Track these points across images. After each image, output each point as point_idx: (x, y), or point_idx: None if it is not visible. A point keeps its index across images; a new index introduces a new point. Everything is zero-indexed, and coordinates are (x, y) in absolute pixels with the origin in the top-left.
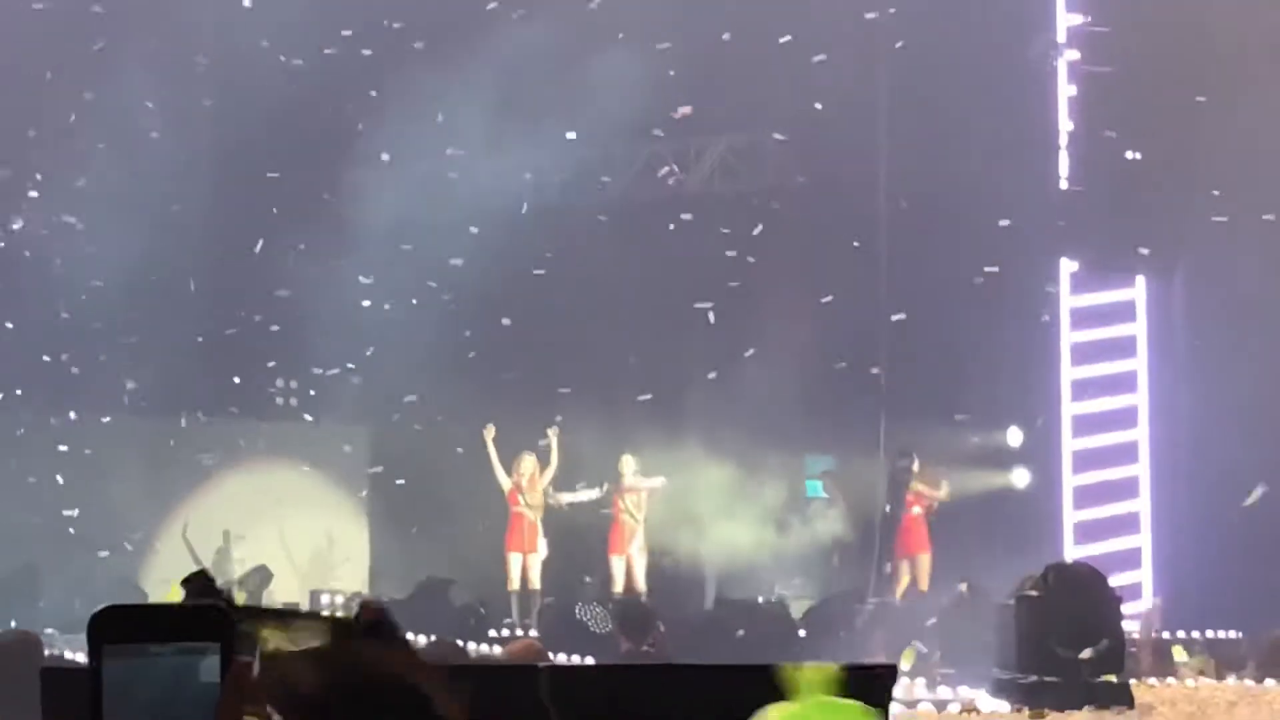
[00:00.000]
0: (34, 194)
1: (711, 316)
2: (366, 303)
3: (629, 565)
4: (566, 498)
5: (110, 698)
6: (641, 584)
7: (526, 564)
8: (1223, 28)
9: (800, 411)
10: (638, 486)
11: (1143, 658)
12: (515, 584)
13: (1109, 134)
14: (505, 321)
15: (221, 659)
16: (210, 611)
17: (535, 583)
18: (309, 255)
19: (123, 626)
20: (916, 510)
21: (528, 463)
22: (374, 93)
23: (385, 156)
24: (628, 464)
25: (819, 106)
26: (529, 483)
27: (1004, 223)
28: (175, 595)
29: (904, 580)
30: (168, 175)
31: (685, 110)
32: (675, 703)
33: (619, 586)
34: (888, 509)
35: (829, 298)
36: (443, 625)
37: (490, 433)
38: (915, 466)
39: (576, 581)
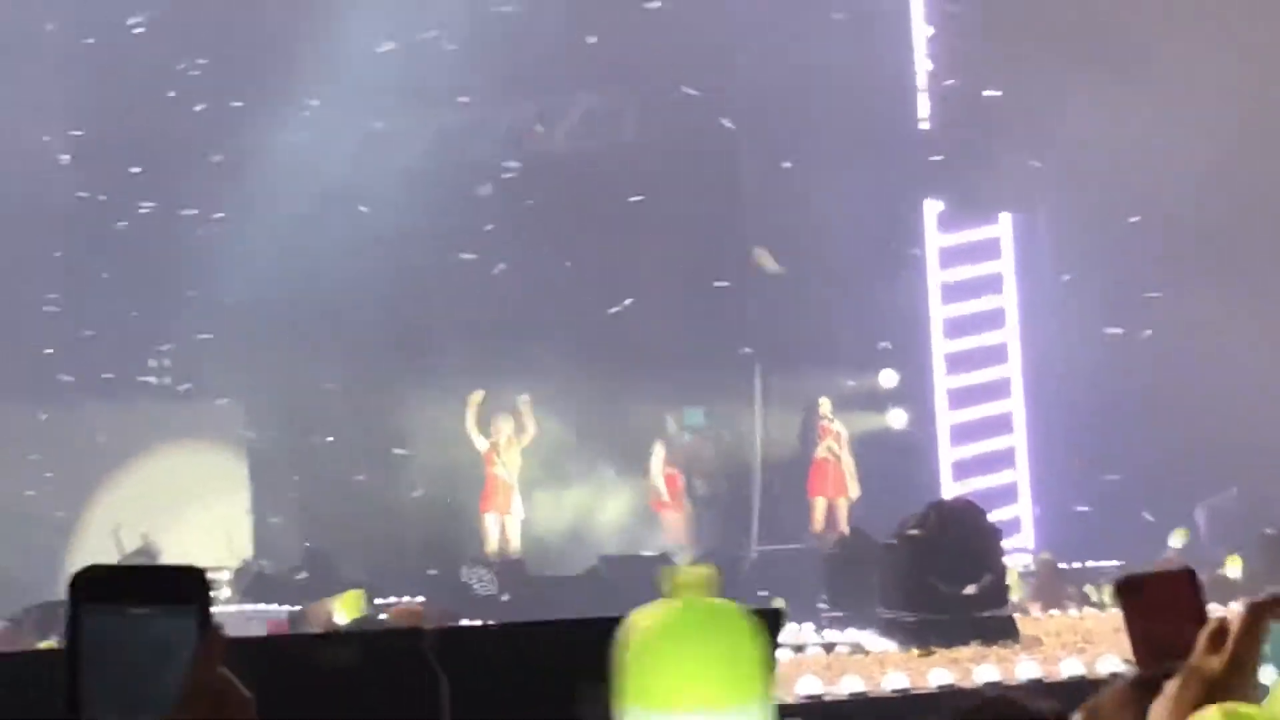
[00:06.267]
0: None
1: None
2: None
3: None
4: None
5: (88, 656)
6: (517, 543)
7: (505, 525)
8: None
9: (673, 364)
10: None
11: (1035, 591)
12: (494, 545)
13: (966, 74)
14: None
15: (198, 621)
16: (188, 573)
17: (515, 543)
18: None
19: (102, 587)
20: (834, 450)
21: (505, 425)
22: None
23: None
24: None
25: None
26: (506, 445)
27: (867, 165)
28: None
29: (819, 523)
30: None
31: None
32: (555, 657)
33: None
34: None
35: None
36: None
37: (476, 397)
38: (823, 409)
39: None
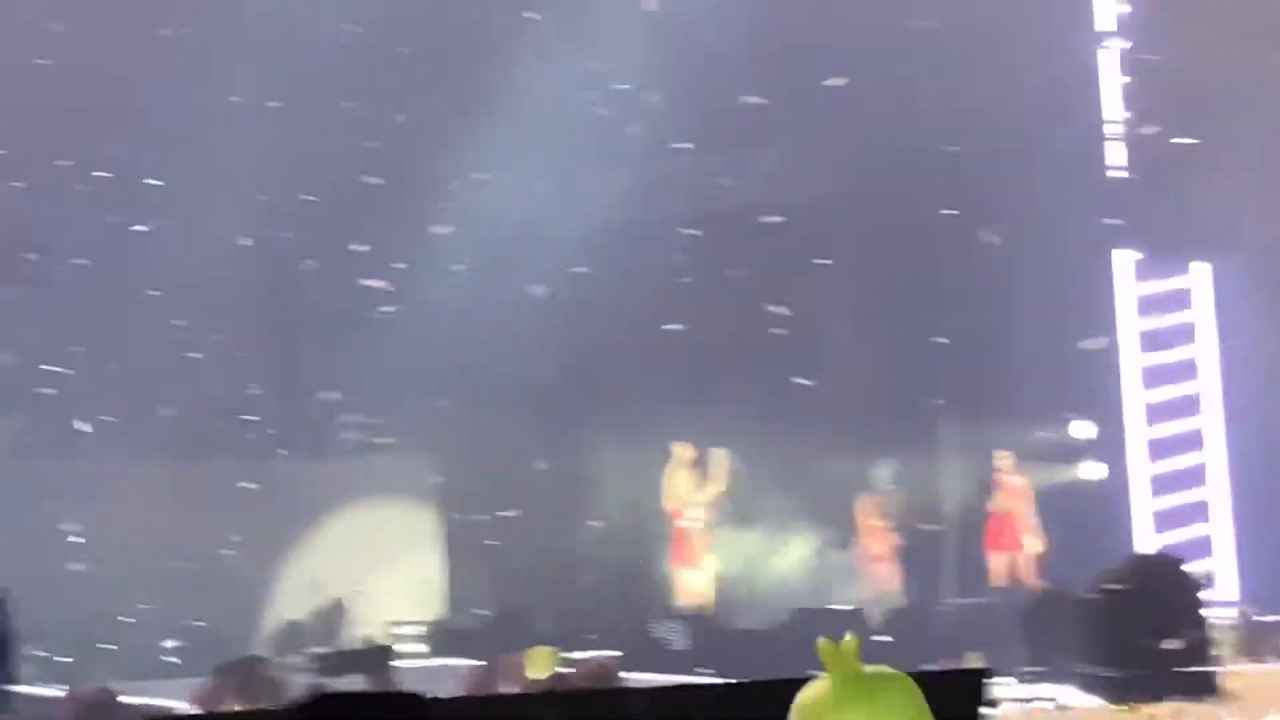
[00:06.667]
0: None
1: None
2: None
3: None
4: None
5: None
6: (708, 597)
7: (696, 579)
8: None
9: (863, 418)
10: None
11: (1235, 644)
12: (684, 599)
13: (1158, 122)
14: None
15: None
16: (411, 700)
17: (705, 596)
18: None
19: (333, 711)
20: (1006, 506)
21: (696, 479)
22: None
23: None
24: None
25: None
26: (697, 499)
27: (1059, 215)
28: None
29: (1000, 577)
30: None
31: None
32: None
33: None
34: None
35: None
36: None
37: (681, 451)
38: (1002, 462)
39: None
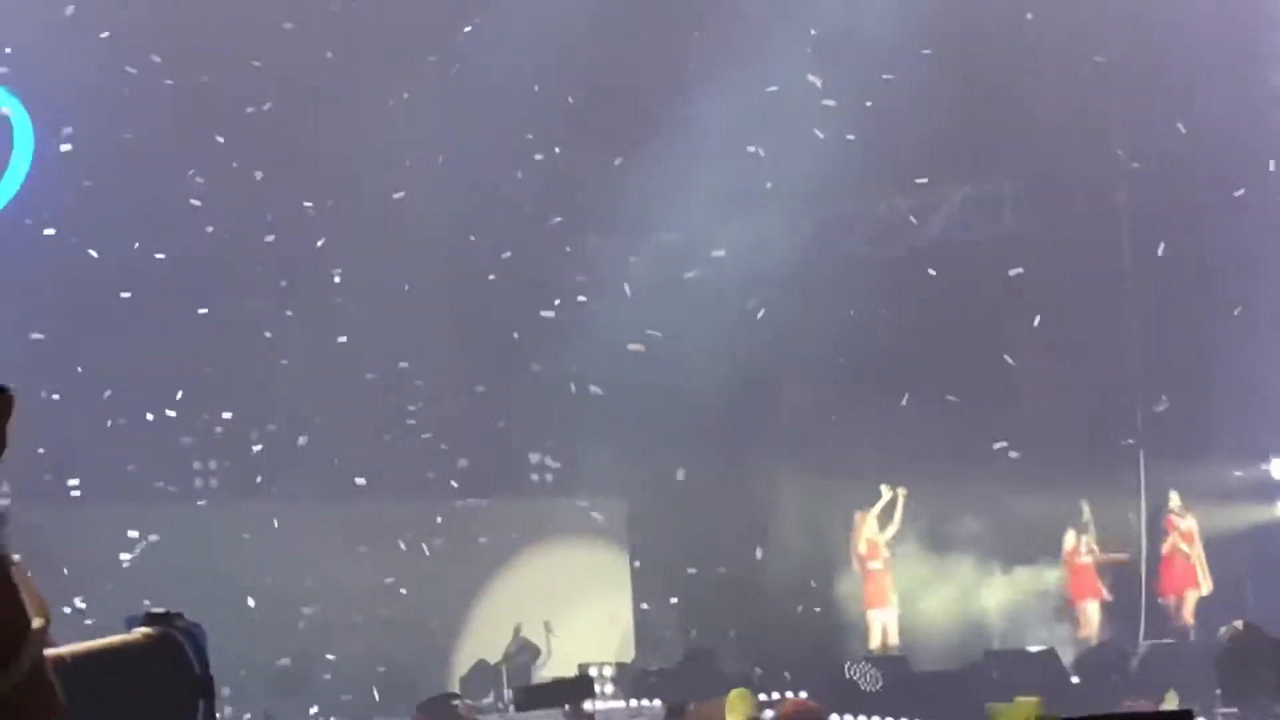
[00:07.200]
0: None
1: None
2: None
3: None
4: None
5: None
6: (896, 639)
7: (886, 620)
8: None
9: (1061, 457)
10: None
11: None
12: (876, 641)
13: None
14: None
15: None
16: None
17: (894, 638)
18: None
19: None
20: (1182, 547)
21: (885, 520)
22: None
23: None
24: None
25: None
26: (887, 539)
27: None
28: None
29: (1174, 619)
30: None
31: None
32: None
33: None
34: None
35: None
36: (715, 690)
37: (888, 491)
38: (1173, 503)
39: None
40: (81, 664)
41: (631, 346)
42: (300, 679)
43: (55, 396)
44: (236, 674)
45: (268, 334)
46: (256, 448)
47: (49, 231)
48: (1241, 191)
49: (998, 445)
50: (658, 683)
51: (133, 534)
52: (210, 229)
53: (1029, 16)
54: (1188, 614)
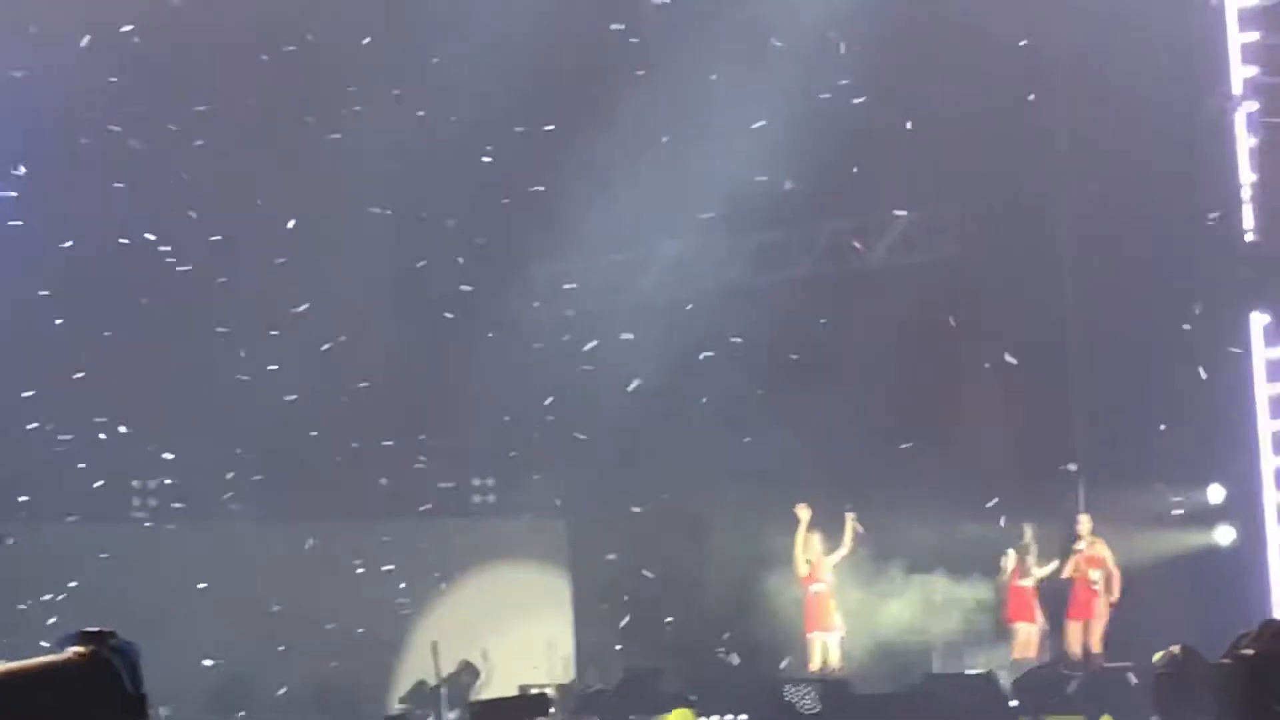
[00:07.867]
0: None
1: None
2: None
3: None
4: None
5: None
6: (837, 661)
7: (827, 642)
8: None
9: (1003, 480)
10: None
11: None
12: (817, 663)
13: None
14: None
15: None
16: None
17: (835, 661)
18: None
19: None
20: (1092, 574)
21: (826, 542)
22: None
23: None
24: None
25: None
26: (827, 562)
27: (1192, 277)
28: None
29: (1074, 645)
30: None
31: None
32: None
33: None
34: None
35: (1015, 362)
36: (656, 710)
37: (804, 512)
38: (1081, 528)
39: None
40: (7, 684)
41: (583, 368)
42: (241, 697)
43: None
44: (177, 692)
45: (214, 359)
46: (201, 469)
47: None
48: (1186, 214)
49: (939, 468)
50: (598, 703)
51: (79, 553)
52: (160, 253)
53: (975, 36)
54: (1093, 641)
